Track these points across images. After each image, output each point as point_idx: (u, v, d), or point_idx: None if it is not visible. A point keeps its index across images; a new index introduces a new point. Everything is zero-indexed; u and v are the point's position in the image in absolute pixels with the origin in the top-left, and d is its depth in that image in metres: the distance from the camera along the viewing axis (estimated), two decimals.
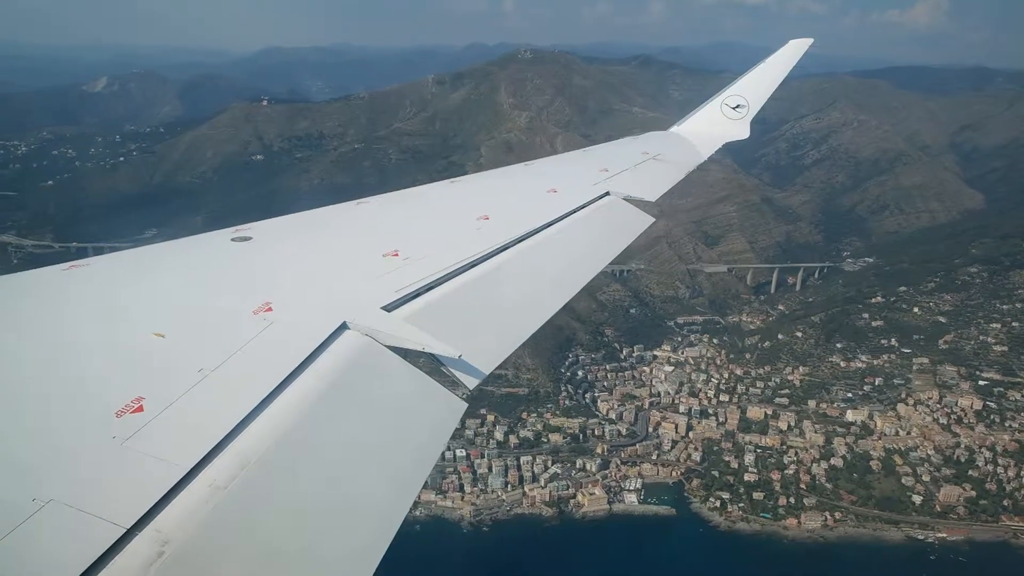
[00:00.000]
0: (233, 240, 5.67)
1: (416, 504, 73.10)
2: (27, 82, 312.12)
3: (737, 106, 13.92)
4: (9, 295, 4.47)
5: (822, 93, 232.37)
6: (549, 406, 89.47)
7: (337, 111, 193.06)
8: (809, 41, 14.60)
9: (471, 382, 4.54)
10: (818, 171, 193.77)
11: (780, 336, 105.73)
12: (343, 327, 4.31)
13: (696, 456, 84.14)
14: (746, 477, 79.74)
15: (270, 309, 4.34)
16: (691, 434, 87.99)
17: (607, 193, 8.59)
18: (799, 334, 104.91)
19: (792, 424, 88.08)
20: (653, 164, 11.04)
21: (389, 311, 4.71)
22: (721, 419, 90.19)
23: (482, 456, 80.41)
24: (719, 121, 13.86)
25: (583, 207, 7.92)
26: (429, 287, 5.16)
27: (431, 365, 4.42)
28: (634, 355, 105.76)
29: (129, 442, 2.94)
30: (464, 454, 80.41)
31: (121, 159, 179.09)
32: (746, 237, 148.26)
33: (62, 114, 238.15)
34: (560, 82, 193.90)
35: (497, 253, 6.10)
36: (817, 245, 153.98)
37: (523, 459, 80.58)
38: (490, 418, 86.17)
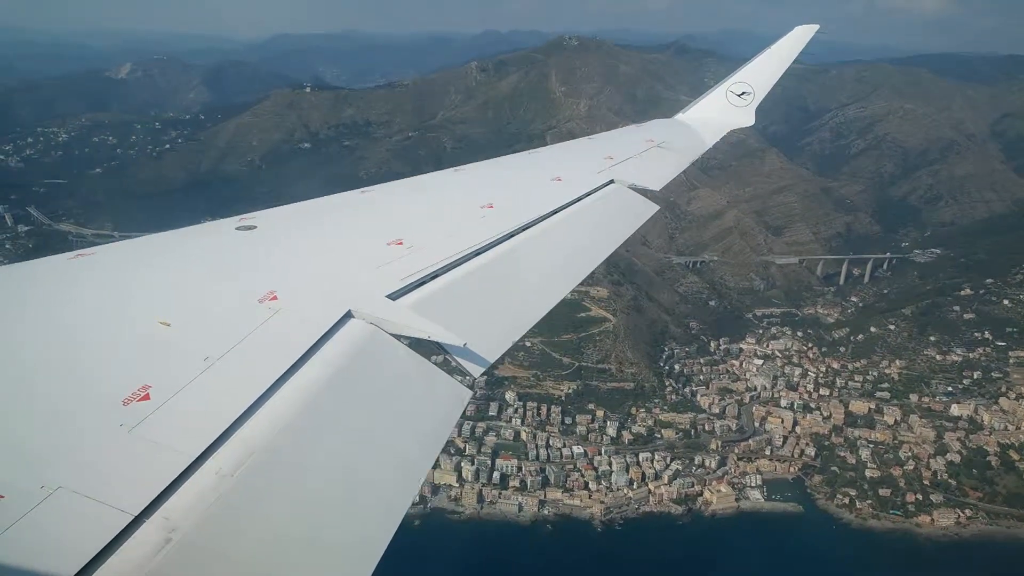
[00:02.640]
0: (238, 229, 5.61)
1: (543, 502, 72.28)
2: (41, 68, 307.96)
3: (743, 93, 13.78)
4: (16, 284, 4.46)
5: (861, 81, 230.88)
6: (656, 401, 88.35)
7: (382, 98, 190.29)
8: (815, 27, 14.30)
9: (476, 370, 4.50)
10: (865, 160, 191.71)
11: (872, 329, 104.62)
12: (348, 315, 4.31)
13: (809, 451, 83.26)
14: (867, 473, 78.82)
15: (275, 298, 4.32)
16: (797, 429, 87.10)
17: (612, 181, 8.54)
18: (891, 327, 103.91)
19: (899, 419, 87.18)
20: (658, 152, 10.88)
21: (394, 299, 4.68)
22: (825, 414, 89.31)
23: (600, 453, 79.33)
24: (724, 108, 13.78)
25: (587, 195, 7.86)
26: (433, 276, 5.15)
27: (436, 353, 4.37)
28: (722, 348, 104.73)
29: (136, 430, 2.95)
30: (581, 451, 79.31)
31: (167, 147, 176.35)
32: (809, 228, 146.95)
33: (90, 101, 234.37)
34: (606, 70, 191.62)
35: (501, 242, 6.04)
36: (876, 236, 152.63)
37: (641, 456, 79.47)
38: (599, 413, 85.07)
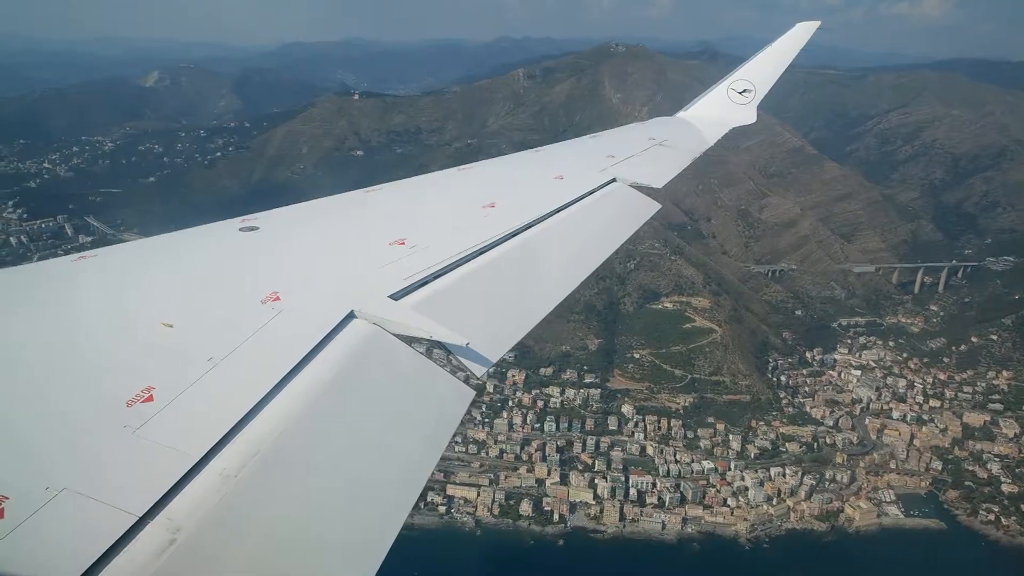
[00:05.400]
0: (241, 230, 5.55)
1: (685, 520, 70.31)
2: (58, 78, 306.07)
3: (744, 91, 13.69)
4: (19, 286, 4.43)
5: (900, 88, 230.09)
6: (774, 413, 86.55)
7: (430, 105, 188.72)
8: (816, 24, 14.16)
9: (478, 370, 4.45)
10: (914, 167, 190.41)
11: (974, 339, 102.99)
12: (351, 316, 4.28)
13: (936, 465, 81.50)
14: (1004, 488, 77.04)
15: (278, 298, 4.31)
16: (916, 442, 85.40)
17: (614, 180, 8.48)
18: (994, 337, 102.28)
19: (1018, 432, 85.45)
20: (660, 150, 10.81)
21: (396, 299, 4.64)
22: (940, 426, 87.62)
23: (730, 468, 77.47)
24: (726, 106, 13.69)
25: (589, 194, 7.83)
26: (436, 275, 5.11)
27: (439, 353, 4.37)
28: (816, 358, 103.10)
29: (140, 431, 2.97)
30: (712, 466, 77.42)
31: (218, 155, 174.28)
32: (877, 235, 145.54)
33: (121, 109, 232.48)
34: (656, 76, 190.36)
35: (504, 241, 6.00)
36: (939, 243, 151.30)
37: (772, 471, 77.63)
38: (720, 427, 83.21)
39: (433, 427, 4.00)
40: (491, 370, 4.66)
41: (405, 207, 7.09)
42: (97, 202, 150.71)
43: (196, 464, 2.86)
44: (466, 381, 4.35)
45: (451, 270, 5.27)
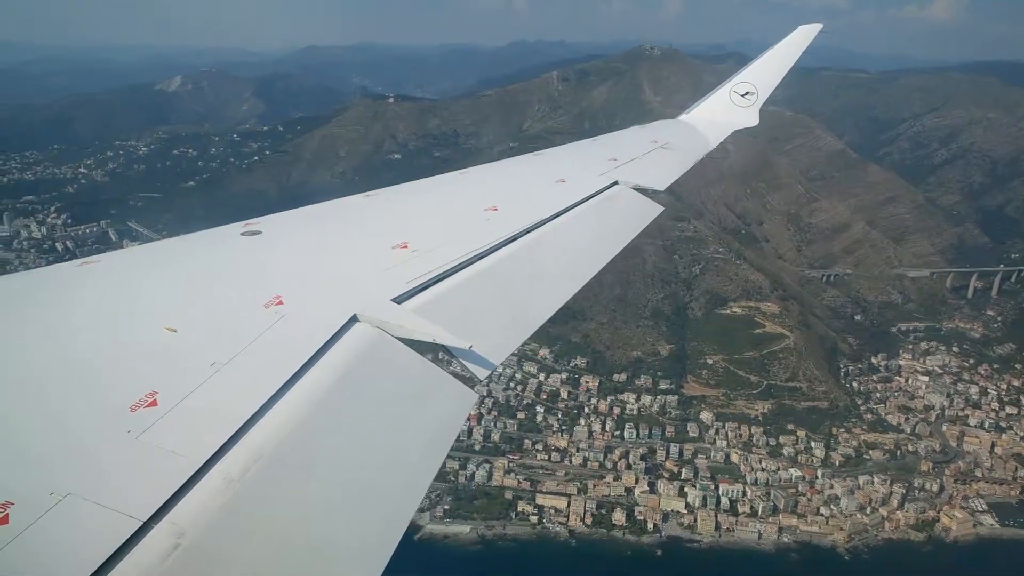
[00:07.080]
0: (243, 234, 5.50)
1: (780, 529, 69.03)
2: (78, 85, 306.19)
3: (746, 93, 13.70)
4: (23, 292, 4.45)
5: (930, 91, 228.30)
6: (853, 420, 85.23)
7: (465, 109, 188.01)
8: (818, 27, 14.15)
9: (481, 373, 4.48)
10: (951, 171, 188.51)
11: None
12: (353, 319, 4.28)
13: (1022, 473, 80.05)
14: None
15: (281, 302, 4.30)
16: (997, 449, 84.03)
17: (615, 183, 8.44)
18: None
19: None
20: (661, 153, 10.75)
21: (399, 303, 4.64)
22: (1021, 433, 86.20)
23: (817, 476, 76.16)
24: (728, 108, 13.70)
25: (591, 197, 7.79)
26: (438, 279, 5.09)
27: (441, 356, 4.37)
28: (882, 364, 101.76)
29: (144, 436, 2.98)
30: (800, 474, 76.10)
31: (255, 159, 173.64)
32: (926, 239, 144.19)
33: (147, 114, 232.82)
34: (692, 80, 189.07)
35: (506, 244, 5.98)
36: (986, 247, 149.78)
37: (861, 479, 76.29)
38: (800, 434, 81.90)
39: (436, 430, 3.96)
40: (493, 373, 4.58)
41: (407, 211, 7.08)
42: (138, 207, 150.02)
43: (200, 468, 2.84)
44: (468, 384, 4.30)
45: (454, 273, 5.24)
